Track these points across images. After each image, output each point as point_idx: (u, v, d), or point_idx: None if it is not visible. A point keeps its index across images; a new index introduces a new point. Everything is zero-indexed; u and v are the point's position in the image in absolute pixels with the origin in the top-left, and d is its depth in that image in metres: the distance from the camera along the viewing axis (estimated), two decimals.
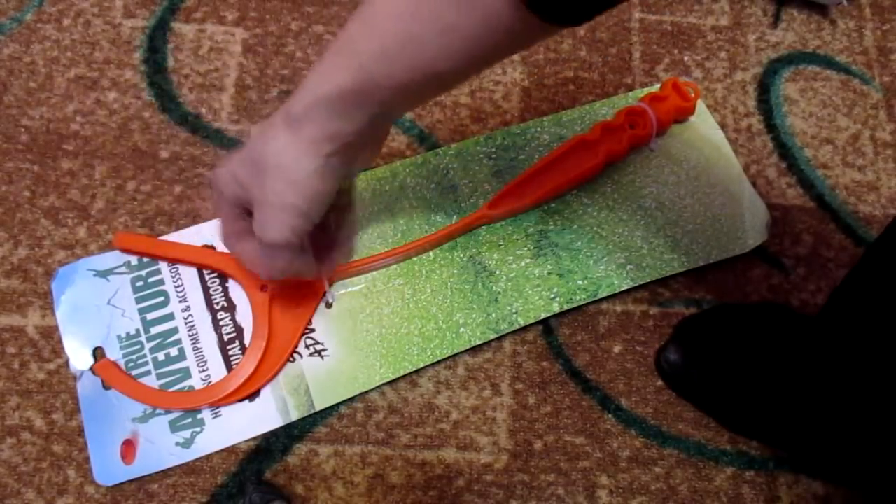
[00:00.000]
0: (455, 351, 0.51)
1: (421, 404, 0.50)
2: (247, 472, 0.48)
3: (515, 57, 0.62)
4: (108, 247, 0.53)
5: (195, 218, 0.54)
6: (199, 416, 0.48)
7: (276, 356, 0.49)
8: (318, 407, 0.49)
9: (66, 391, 0.49)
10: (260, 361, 0.48)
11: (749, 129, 0.61)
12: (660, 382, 0.52)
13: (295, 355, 0.50)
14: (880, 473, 0.47)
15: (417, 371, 0.51)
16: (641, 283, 0.53)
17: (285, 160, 0.37)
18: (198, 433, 0.48)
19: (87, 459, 0.47)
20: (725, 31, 0.65)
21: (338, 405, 0.50)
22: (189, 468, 0.48)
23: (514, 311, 0.52)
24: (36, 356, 0.50)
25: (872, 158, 0.60)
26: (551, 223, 0.54)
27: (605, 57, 0.63)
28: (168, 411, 0.48)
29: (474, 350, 0.52)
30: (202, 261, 0.51)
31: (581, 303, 0.52)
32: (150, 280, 0.51)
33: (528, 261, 0.53)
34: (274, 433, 0.49)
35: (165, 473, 0.47)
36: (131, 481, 0.47)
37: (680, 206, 0.56)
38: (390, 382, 0.51)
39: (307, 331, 0.50)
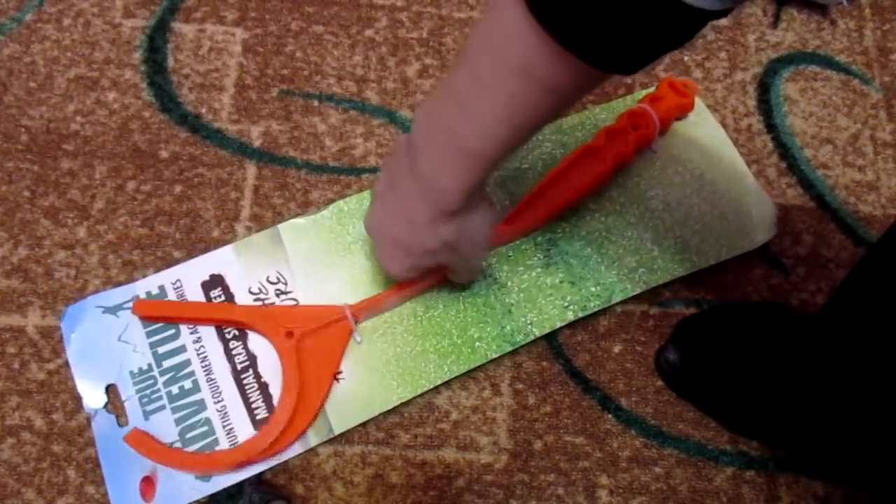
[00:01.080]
0: (472, 366, 0.50)
1: (421, 404, 0.50)
2: (247, 472, 0.48)
3: None
4: (108, 246, 0.53)
5: (205, 248, 0.53)
6: (217, 448, 0.47)
7: (308, 405, 0.48)
8: (337, 431, 0.48)
9: (66, 391, 0.49)
10: (294, 413, 0.47)
11: (749, 129, 0.61)
12: (660, 382, 0.52)
13: None
14: (880, 473, 0.47)
15: None
16: (654, 285, 0.53)
17: (467, 232, 0.43)
18: None
19: (87, 459, 0.47)
20: (725, 31, 0.65)
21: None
22: None
23: (528, 321, 0.51)
24: (36, 356, 0.50)
25: (872, 158, 0.60)
26: (559, 231, 0.54)
27: None
28: (186, 445, 0.47)
29: None
30: (224, 317, 0.50)
31: (595, 309, 0.52)
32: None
33: (539, 270, 0.53)
34: None
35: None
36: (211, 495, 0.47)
37: (687, 205, 0.55)
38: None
39: (338, 375, 0.49)
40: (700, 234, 0.55)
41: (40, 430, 0.48)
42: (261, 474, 0.48)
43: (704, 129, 0.59)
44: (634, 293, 0.53)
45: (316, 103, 0.59)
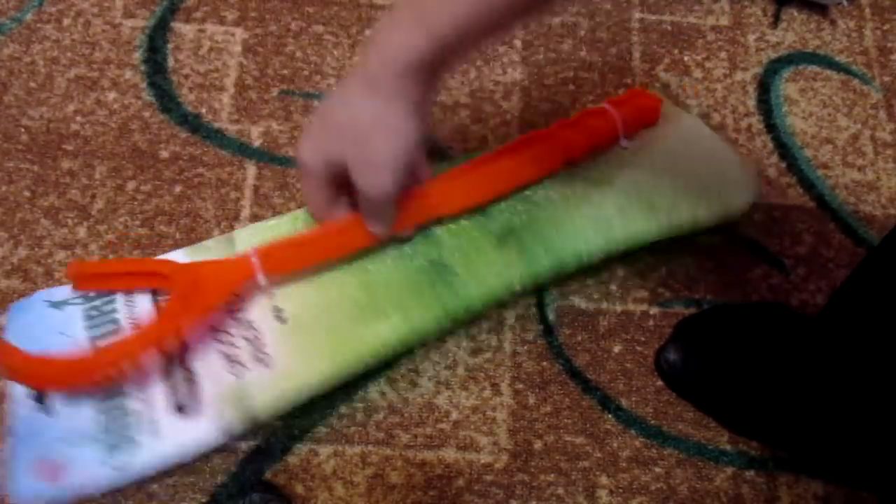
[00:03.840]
0: (408, 345, 0.48)
1: (421, 404, 0.50)
2: (247, 472, 0.48)
3: (515, 57, 0.62)
4: (108, 246, 0.53)
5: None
6: (136, 437, 0.44)
7: (187, 320, 0.45)
8: (263, 417, 0.45)
9: None
10: (166, 322, 0.44)
11: (749, 129, 0.61)
12: (660, 382, 0.52)
13: (241, 369, 0.46)
14: (881, 473, 0.47)
15: (417, 371, 0.51)
16: (611, 250, 0.50)
17: (384, 123, 0.40)
18: (135, 453, 0.44)
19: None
20: (725, 31, 0.65)
21: (338, 405, 0.50)
22: (189, 468, 0.48)
23: (472, 295, 0.48)
24: None
25: (872, 158, 0.60)
26: (517, 220, 0.51)
27: (605, 57, 0.63)
28: (104, 433, 0.44)
29: (474, 350, 0.52)
30: (142, 270, 0.47)
31: (547, 277, 0.50)
32: (105, 309, 0.47)
33: (491, 251, 0.49)
34: (274, 433, 0.49)
35: (166, 473, 0.47)
36: (131, 482, 0.45)
37: (656, 181, 0.52)
38: (391, 382, 0.51)
39: (255, 338, 0.46)
40: (671, 201, 0.52)
41: None
42: (261, 474, 0.48)
43: (677, 125, 0.56)
44: (591, 257, 0.50)
45: (316, 103, 0.59)
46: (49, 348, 0.45)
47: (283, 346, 0.47)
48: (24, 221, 0.54)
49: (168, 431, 0.44)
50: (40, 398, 0.45)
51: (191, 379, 0.46)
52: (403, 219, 0.48)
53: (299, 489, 0.48)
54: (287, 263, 0.47)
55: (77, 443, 0.44)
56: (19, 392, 0.45)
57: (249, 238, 0.49)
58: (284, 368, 0.46)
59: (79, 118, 0.57)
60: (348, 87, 0.42)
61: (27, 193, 0.55)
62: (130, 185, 0.55)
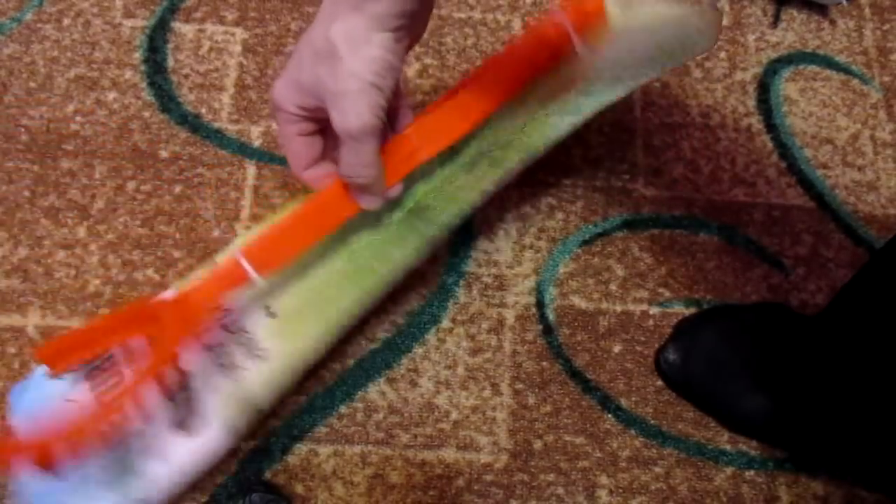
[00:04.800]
0: (387, 281, 0.46)
1: (421, 404, 0.50)
2: (247, 472, 0.48)
3: None
4: (108, 246, 0.53)
5: (204, 248, 0.54)
6: (149, 470, 0.42)
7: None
8: (266, 407, 0.45)
9: None
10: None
11: (749, 129, 0.61)
12: (660, 382, 0.52)
13: (240, 372, 0.45)
14: (881, 472, 0.47)
15: (417, 371, 0.51)
16: (579, 124, 0.49)
17: (359, 39, 0.36)
18: (151, 484, 0.43)
19: None
20: (725, 31, 0.65)
21: (338, 405, 0.50)
22: None
23: (443, 213, 0.47)
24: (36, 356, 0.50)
25: (872, 158, 0.60)
26: (484, 143, 0.48)
27: None
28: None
29: (474, 350, 0.52)
30: (118, 333, 0.43)
31: (512, 167, 0.48)
32: (106, 365, 0.44)
33: (463, 176, 0.47)
34: (274, 433, 0.49)
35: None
36: None
37: (619, 61, 0.49)
38: (390, 382, 0.51)
39: (248, 339, 0.45)
40: (633, 70, 0.50)
41: None
42: (261, 474, 0.48)
43: (640, 18, 0.51)
44: (560, 133, 0.49)
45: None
46: (59, 417, 0.42)
47: (277, 338, 0.45)
48: (24, 221, 0.54)
49: (176, 452, 0.44)
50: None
51: (189, 397, 0.45)
52: (390, 173, 0.44)
53: (299, 489, 0.48)
54: (278, 254, 0.44)
55: (93, 496, 0.43)
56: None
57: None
58: (279, 354, 0.45)
59: (79, 118, 0.57)
60: (322, 7, 0.37)
61: (27, 193, 0.55)
62: (130, 185, 0.55)
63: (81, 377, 0.44)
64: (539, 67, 0.49)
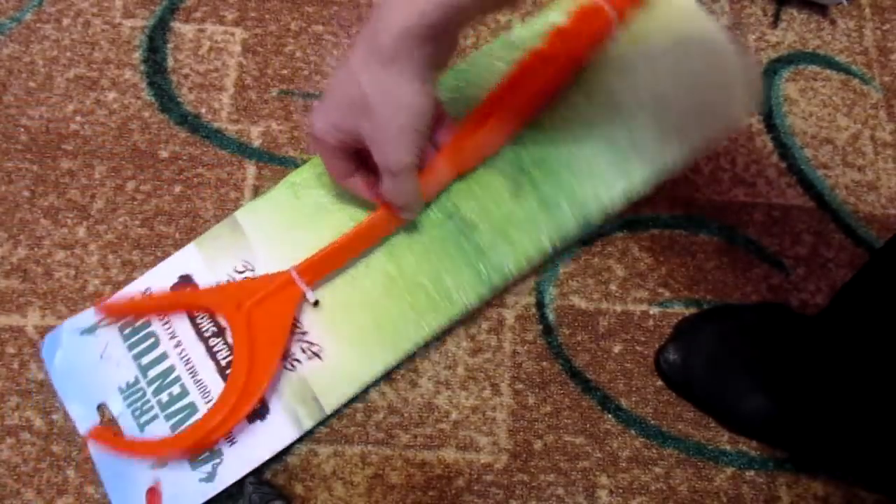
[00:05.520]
0: (453, 318, 0.49)
1: (421, 404, 0.50)
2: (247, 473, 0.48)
3: None
4: (108, 246, 0.53)
5: (162, 253, 0.54)
6: (215, 448, 0.47)
7: (263, 366, 0.47)
8: (329, 410, 0.48)
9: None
10: (248, 376, 0.46)
11: (749, 129, 0.61)
12: (660, 382, 0.52)
13: (294, 363, 0.48)
14: (881, 473, 0.47)
15: (417, 371, 0.51)
16: (635, 197, 0.50)
17: (392, 92, 0.39)
18: (218, 464, 0.46)
19: (87, 459, 0.47)
20: (725, 31, 0.64)
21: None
22: None
23: (504, 260, 0.49)
24: (36, 356, 0.50)
25: (872, 158, 0.60)
26: (525, 155, 0.50)
27: None
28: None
29: (474, 350, 0.52)
30: (181, 302, 0.50)
31: (574, 236, 0.50)
32: (137, 324, 0.50)
33: (509, 203, 0.49)
34: None
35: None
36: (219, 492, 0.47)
37: (659, 95, 0.50)
38: (390, 382, 0.51)
39: (299, 333, 0.49)
40: (680, 119, 0.50)
41: (39, 430, 0.48)
42: (261, 474, 0.48)
43: (667, 8, 0.53)
44: (615, 207, 0.50)
45: (316, 103, 0.59)
46: (93, 374, 0.48)
47: (326, 334, 0.49)
48: (24, 221, 0.54)
49: (244, 437, 0.47)
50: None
51: None
52: (428, 191, 0.48)
53: (299, 489, 0.48)
54: (323, 270, 0.49)
55: (165, 464, 0.47)
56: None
57: (253, 219, 0.52)
58: (336, 359, 0.48)
59: (78, 118, 0.57)
60: (354, 58, 0.40)
61: (27, 193, 0.55)
62: (130, 185, 0.55)
63: (115, 333, 0.49)
64: (582, 63, 0.50)
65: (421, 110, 0.41)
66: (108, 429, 0.47)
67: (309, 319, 0.50)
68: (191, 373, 0.49)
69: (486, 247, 0.50)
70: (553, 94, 0.50)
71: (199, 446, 0.46)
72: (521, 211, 0.50)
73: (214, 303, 0.49)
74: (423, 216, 0.50)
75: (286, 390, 0.48)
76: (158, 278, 0.51)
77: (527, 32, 0.54)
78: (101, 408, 0.48)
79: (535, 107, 0.50)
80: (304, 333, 0.49)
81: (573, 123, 0.51)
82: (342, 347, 0.49)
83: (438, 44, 0.39)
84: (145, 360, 0.49)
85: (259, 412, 0.48)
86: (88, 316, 0.50)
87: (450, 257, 0.50)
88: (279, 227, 0.52)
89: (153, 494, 0.46)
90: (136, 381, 0.48)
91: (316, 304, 0.50)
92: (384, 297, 0.49)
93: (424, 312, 0.49)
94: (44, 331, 0.50)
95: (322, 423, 0.49)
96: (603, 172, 0.49)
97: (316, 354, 0.49)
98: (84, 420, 0.48)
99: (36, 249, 0.53)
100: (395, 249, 0.50)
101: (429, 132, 0.42)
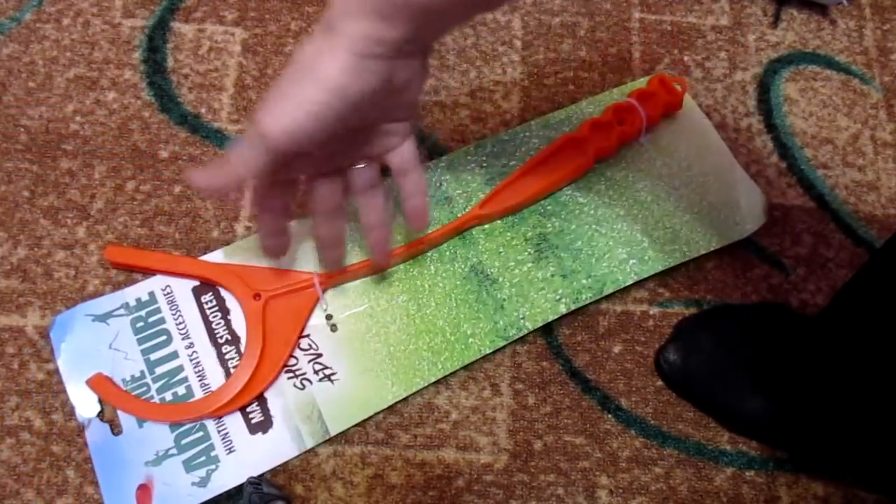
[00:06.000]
0: (466, 362, 0.50)
1: (421, 404, 0.50)
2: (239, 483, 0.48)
3: (515, 56, 0.62)
4: (107, 245, 0.53)
5: (204, 248, 0.54)
6: (213, 454, 0.47)
7: (271, 363, 0.48)
8: (333, 432, 0.48)
9: (66, 391, 0.49)
10: (256, 368, 0.48)
11: (749, 129, 0.61)
12: (660, 382, 0.52)
13: (305, 382, 0.49)
14: (881, 473, 0.47)
15: None
16: (646, 276, 0.53)
17: (315, 59, 0.35)
18: (213, 470, 0.46)
19: (86, 459, 0.47)
20: (725, 31, 0.65)
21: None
22: None
23: (521, 316, 0.51)
24: (35, 356, 0.50)
25: (872, 158, 0.60)
26: (549, 226, 0.54)
27: (604, 57, 0.63)
28: (181, 452, 0.47)
29: None
30: (194, 272, 0.50)
31: (587, 301, 0.52)
32: (151, 320, 0.50)
33: (530, 265, 0.53)
34: None
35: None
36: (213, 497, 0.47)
37: (675, 196, 0.56)
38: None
39: (314, 353, 0.50)
40: (690, 224, 0.55)
41: (39, 431, 0.48)
42: (261, 474, 0.48)
43: (690, 123, 0.59)
44: (626, 284, 0.53)
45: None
46: (100, 362, 0.49)
47: (340, 359, 0.50)
48: (24, 221, 0.54)
49: (243, 447, 0.48)
50: (113, 429, 0.48)
51: (262, 398, 0.49)
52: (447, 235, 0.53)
53: (299, 489, 0.48)
54: (340, 279, 0.51)
55: (160, 462, 0.47)
56: (95, 427, 0.48)
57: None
58: (349, 384, 0.49)
59: (78, 118, 0.57)
60: (311, 36, 0.36)
61: (26, 193, 0.55)
62: (130, 185, 0.55)
63: (127, 325, 0.50)
64: (608, 154, 0.56)
65: (334, 88, 0.34)
66: (109, 379, 0.48)
67: (325, 342, 0.50)
68: (199, 376, 0.49)
69: (506, 302, 0.52)
70: (574, 175, 0.55)
71: (182, 420, 0.47)
72: (541, 274, 0.53)
73: (232, 283, 0.50)
74: (449, 266, 0.53)
75: (293, 407, 0.48)
76: (181, 278, 0.51)
77: (563, 115, 0.59)
78: None
79: (556, 183, 0.54)
80: (319, 355, 0.50)
81: (595, 205, 0.55)
82: (355, 374, 0.50)
83: (389, 32, 0.34)
84: (154, 355, 0.49)
85: (262, 425, 0.48)
86: (102, 303, 0.50)
87: (470, 307, 0.52)
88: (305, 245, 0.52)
89: (144, 491, 0.46)
90: (142, 376, 0.49)
91: (329, 318, 0.51)
92: (402, 333, 0.51)
93: (440, 353, 0.50)
94: (44, 331, 0.50)
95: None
96: (618, 255, 0.54)
97: (328, 377, 0.49)
98: (84, 405, 0.48)
99: (36, 249, 0.53)
100: (418, 292, 0.52)
101: (333, 125, 0.36)
